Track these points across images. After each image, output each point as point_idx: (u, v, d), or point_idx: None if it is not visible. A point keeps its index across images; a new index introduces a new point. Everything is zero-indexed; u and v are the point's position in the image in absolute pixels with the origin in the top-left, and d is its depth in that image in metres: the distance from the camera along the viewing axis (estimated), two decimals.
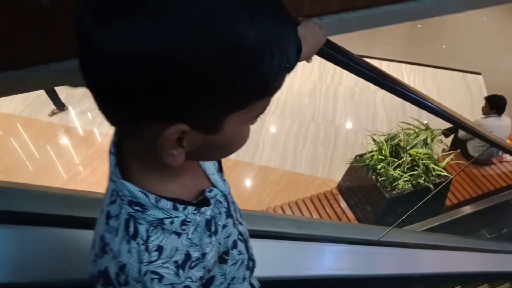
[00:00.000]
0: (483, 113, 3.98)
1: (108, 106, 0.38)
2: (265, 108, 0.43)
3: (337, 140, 4.78)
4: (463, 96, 5.76)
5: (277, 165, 4.46)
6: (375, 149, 3.46)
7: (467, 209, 3.70)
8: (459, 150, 4.08)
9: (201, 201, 0.50)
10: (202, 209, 0.49)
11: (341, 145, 4.71)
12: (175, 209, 0.45)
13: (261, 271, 0.72)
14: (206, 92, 0.35)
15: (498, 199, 3.75)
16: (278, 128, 4.93)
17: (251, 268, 0.64)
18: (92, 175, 4.16)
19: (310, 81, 5.57)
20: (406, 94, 1.17)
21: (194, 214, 0.47)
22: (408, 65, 6.26)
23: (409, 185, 3.23)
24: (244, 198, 3.98)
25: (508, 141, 4.31)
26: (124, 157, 0.47)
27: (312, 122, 5.03)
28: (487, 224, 3.79)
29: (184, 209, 0.46)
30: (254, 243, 0.67)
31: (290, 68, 0.39)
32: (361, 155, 3.52)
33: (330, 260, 1.60)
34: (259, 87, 0.38)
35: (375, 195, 3.36)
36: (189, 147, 0.41)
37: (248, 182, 4.34)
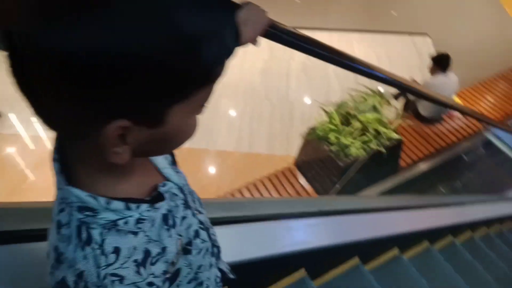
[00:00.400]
0: (431, 73, 4.02)
1: (47, 109, 0.37)
2: (209, 97, 0.43)
3: (292, 115, 4.71)
4: (413, 59, 5.82)
5: (234, 148, 4.35)
6: (326, 119, 3.42)
7: (422, 168, 3.76)
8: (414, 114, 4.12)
9: (155, 197, 0.50)
10: (156, 205, 0.49)
11: (297, 120, 4.64)
12: (128, 208, 0.45)
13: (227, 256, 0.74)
14: (145, 86, 0.35)
15: (451, 154, 3.83)
16: (231, 110, 4.80)
17: (216, 254, 0.65)
18: (38, 182, 3.90)
19: (261, 60, 5.43)
20: (352, 66, 1.17)
21: (148, 211, 0.47)
22: (359, 34, 6.24)
23: (362, 151, 3.21)
24: (203, 185, 3.85)
25: (455, 97, 4.40)
26: (70, 162, 0.45)
27: (266, 101, 4.93)
28: (443, 179, 3.89)
29: (138, 207, 0.46)
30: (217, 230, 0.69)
31: (229, 54, 0.40)
32: (314, 128, 3.46)
33: (298, 235, 1.59)
34: (199, 76, 0.38)
35: (330, 165, 3.33)
36: (134, 143, 0.40)
37: (205, 169, 4.21)
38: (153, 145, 0.43)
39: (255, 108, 4.81)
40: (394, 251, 2.16)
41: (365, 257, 2.01)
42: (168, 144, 0.46)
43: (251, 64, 5.33)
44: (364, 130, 3.22)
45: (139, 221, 0.46)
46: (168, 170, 0.57)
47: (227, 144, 4.39)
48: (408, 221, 2.27)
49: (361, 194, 3.50)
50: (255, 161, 4.21)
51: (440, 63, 3.85)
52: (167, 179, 0.55)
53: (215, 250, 0.65)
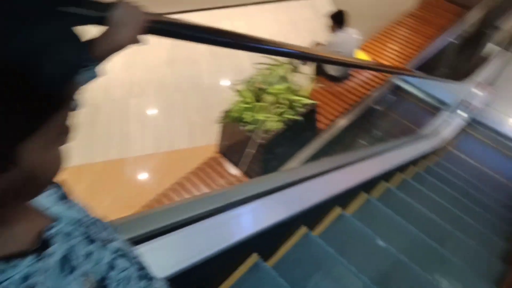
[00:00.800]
0: (331, 31, 4.03)
1: None
2: (67, 123, 0.38)
3: (208, 102, 4.51)
4: (315, 21, 5.86)
5: (154, 149, 4.06)
6: (239, 99, 3.28)
7: (341, 125, 3.81)
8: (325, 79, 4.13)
9: (44, 244, 0.43)
10: (45, 252, 0.43)
11: (214, 106, 4.42)
12: (10, 266, 0.38)
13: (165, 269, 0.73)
14: None
15: (365, 107, 3.92)
16: (144, 110, 4.47)
17: (145, 275, 0.60)
18: None
19: (163, 50, 5.10)
20: (247, 46, 1.08)
21: (37, 262, 0.41)
22: (259, 6, 6.13)
23: (280, 123, 3.13)
24: (126, 199, 3.55)
25: (359, 51, 4.50)
26: None
27: (178, 92, 4.66)
28: (363, 132, 3.99)
29: (21, 262, 0.40)
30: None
31: (74, 70, 0.36)
32: (228, 110, 3.31)
33: (241, 223, 1.56)
34: (41, 100, 0.33)
35: (252, 145, 3.22)
36: None
37: (127, 181, 3.88)
38: (14, 191, 0.38)
39: (169, 102, 4.53)
40: (337, 211, 2.19)
41: (311, 224, 2.03)
42: (32, 186, 0.40)
43: (155, 57, 5.00)
44: (277, 102, 3.14)
45: (27, 277, 0.40)
46: (56, 208, 0.51)
47: (146, 147, 4.08)
48: (343, 179, 2.31)
49: (289, 165, 3.46)
50: (179, 158, 3.98)
51: (337, 20, 3.87)
52: (57, 219, 0.49)
53: (142, 273, 0.60)
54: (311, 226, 2.03)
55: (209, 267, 1.35)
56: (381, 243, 2.08)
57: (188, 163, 3.80)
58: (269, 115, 3.08)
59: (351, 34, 3.99)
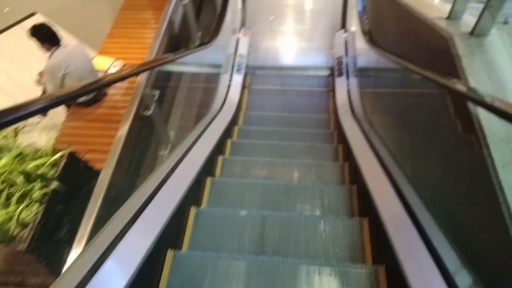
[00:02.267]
0: (47, 52, 3.11)
1: None
2: None
3: None
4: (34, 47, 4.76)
5: None
6: None
7: (127, 148, 3.09)
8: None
9: None
10: None
11: None
12: None
13: None
14: None
15: (134, 117, 3.27)
16: None
17: None
18: None
19: None
20: None
21: None
22: None
23: (32, 207, 2.20)
24: None
25: (99, 56, 3.73)
26: None
27: None
28: (158, 141, 3.38)
29: None
30: None
31: None
32: None
33: None
34: None
35: (15, 254, 2.21)
36: None
37: None
38: None
39: None
40: (193, 211, 2.07)
41: (176, 241, 1.91)
42: None
43: None
44: (8, 184, 2.17)
45: None
46: None
47: None
48: (181, 180, 2.10)
49: (85, 231, 2.59)
50: None
51: (42, 37, 2.97)
52: None
53: None
54: (177, 244, 1.90)
55: None
56: (243, 213, 2.07)
57: None
58: (8, 209, 2.10)
59: (72, 45, 3.15)
